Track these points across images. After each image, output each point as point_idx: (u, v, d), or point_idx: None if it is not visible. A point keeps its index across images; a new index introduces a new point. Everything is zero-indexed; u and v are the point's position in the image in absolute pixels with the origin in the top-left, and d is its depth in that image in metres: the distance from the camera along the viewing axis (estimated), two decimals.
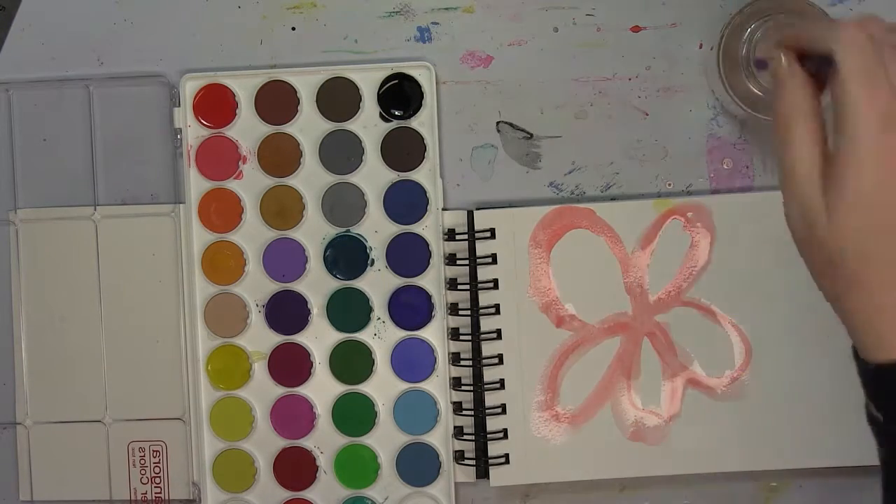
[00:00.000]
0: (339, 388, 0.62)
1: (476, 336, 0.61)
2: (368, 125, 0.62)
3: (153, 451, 0.63)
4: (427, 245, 0.62)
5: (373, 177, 0.62)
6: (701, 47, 0.61)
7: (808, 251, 0.44)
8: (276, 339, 0.63)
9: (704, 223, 0.60)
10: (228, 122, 0.62)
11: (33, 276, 0.63)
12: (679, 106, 0.61)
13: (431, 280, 0.62)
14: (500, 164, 0.62)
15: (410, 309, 0.62)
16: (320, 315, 0.62)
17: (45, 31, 0.63)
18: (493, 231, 0.61)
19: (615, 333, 0.61)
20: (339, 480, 0.63)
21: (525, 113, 0.62)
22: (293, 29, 0.62)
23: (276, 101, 0.62)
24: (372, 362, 0.62)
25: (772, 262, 0.60)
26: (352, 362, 0.62)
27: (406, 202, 0.62)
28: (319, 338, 0.63)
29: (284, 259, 0.62)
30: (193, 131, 0.62)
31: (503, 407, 0.61)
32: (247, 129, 0.62)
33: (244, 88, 0.62)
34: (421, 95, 0.61)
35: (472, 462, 0.61)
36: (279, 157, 0.62)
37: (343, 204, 0.62)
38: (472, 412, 0.61)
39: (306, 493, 0.63)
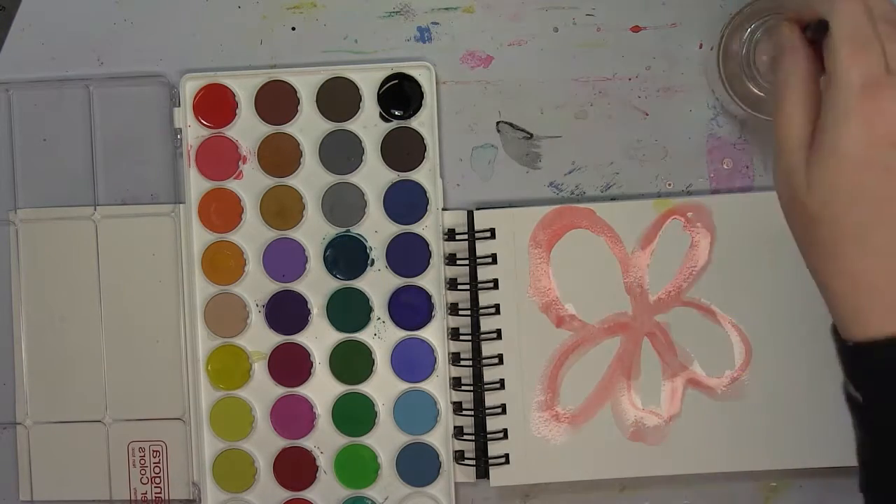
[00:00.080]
0: (339, 388, 0.62)
1: (476, 336, 0.61)
2: (368, 125, 0.62)
3: (153, 451, 0.63)
4: (427, 245, 0.62)
5: (373, 177, 0.62)
6: (701, 47, 0.61)
7: (791, 219, 0.44)
8: (276, 339, 0.63)
9: (704, 223, 0.60)
10: (228, 122, 0.62)
11: (33, 276, 0.63)
12: (679, 106, 0.61)
13: (431, 280, 0.62)
14: (500, 164, 0.62)
15: (410, 309, 0.62)
16: (320, 315, 0.62)
17: (45, 31, 0.63)
18: (493, 231, 0.61)
19: (615, 333, 0.61)
20: (339, 480, 0.63)
21: (525, 113, 0.62)
22: (293, 29, 0.62)
23: (276, 101, 0.62)
24: (372, 362, 0.62)
25: (772, 262, 0.60)
26: (352, 362, 0.62)
27: (406, 202, 0.62)
28: (319, 338, 0.63)
29: (284, 259, 0.62)
30: (193, 131, 0.62)
31: (503, 407, 0.61)
32: (247, 129, 0.62)
33: (244, 88, 0.62)
34: (421, 95, 0.61)
35: (472, 462, 0.61)
36: (279, 157, 0.62)
37: (343, 204, 0.62)
38: (472, 412, 0.61)
39: (306, 493, 0.63)
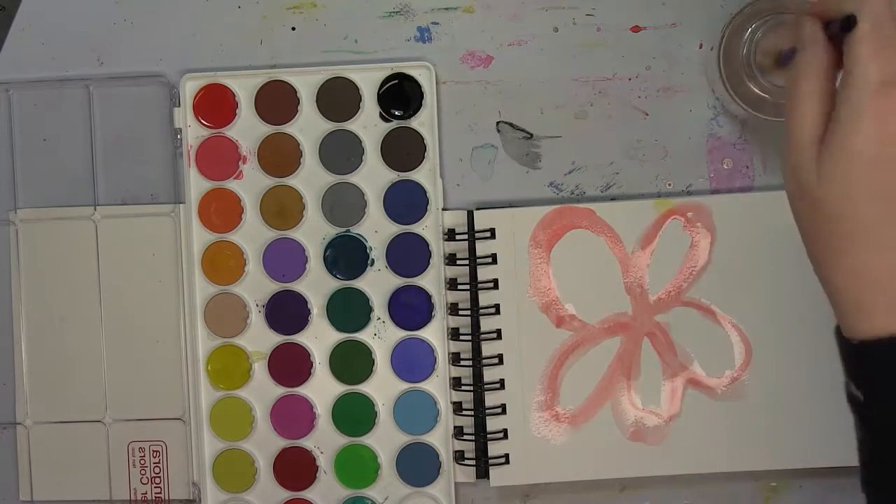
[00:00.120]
0: (339, 388, 0.62)
1: (476, 336, 0.61)
2: (368, 125, 0.62)
3: (153, 451, 0.63)
4: (427, 245, 0.62)
5: (373, 177, 0.62)
6: (701, 47, 0.61)
7: (800, 213, 0.44)
8: (276, 339, 0.63)
9: (704, 223, 0.60)
10: (228, 122, 0.62)
11: (33, 276, 0.63)
12: (679, 106, 0.61)
13: (431, 280, 0.62)
14: (500, 164, 0.62)
15: (410, 309, 0.62)
16: (320, 315, 0.62)
17: (45, 31, 0.63)
18: (493, 231, 0.61)
19: (615, 333, 0.61)
20: (339, 480, 0.63)
21: (525, 113, 0.62)
22: (293, 29, 0.62)
23: (276, 101, 0.62)
24: (372, 362, 0.62)
25: (772, 262, 0.60)
26: (352, 362, 0.62)
27: (406, 202, 0.62)
28: (319, 338, 0.63)
29: (284, 259, 0.62)
30: (193, 131, 0.62)
31: (503, 407, 0.61)
32: (247, 129, 0.62)
33: (244, 88, 0.62)
34: (421, 95, 0.61)
35: (472, 462, 0.61)
36: (279, 157, 0.62)
37: (343, 204, 0.62)
38: (472, 412, 0.61)
39: (306, 493, 0.63)
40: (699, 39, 0.61)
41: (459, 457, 0.62)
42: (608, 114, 0.62)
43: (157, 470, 0.63)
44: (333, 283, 0.62)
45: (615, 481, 0.62)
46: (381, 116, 0.62)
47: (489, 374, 0.61)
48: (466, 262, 0.61)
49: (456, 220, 0.62)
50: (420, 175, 0.62)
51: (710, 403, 0.60)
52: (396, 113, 0.62)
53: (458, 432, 0.62)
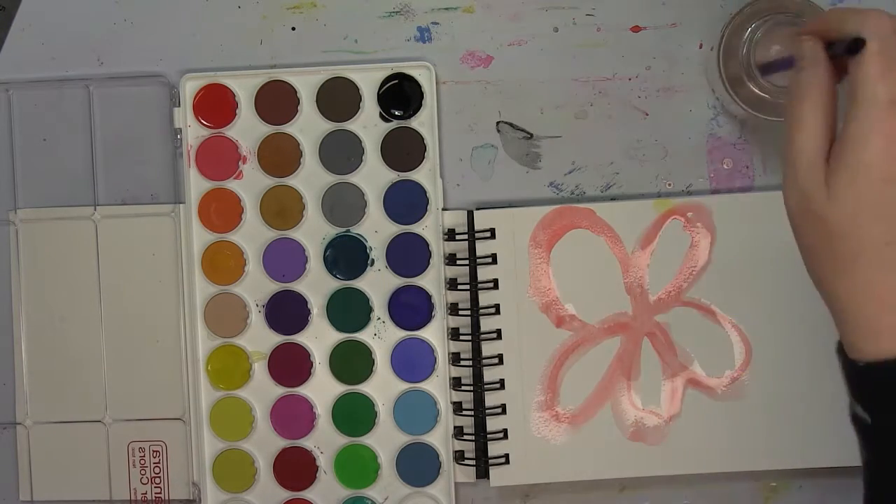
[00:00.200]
0: (339, 388, 0.62)
1: (476, 336, 0.61)
2: (368, 125, 0.62)
3: (153, 451, 0.63)
4: (427, 245, 0.62)
5: (373, 177, 0.62)
6: (701, 47, 0.61)
7: (804, 231, 0.44)
8: (276, 339, 0.63)
9: (704, 223, 0.60)
10: (228, 122, 0.62)
11: (33, 276, 0.63)
12: (679, 106, 0.61)
13: (431, 280, 0.62)
14: (500, 164, 0.62)
15: (410, 309, 0.62)
16: (320, 315, 0.62)
17: (45, 31, 0.63)
18: (493, 231, 0.61)
19: (615, 333, 0.61)
20: (339, 480, 0.63)
21: (525, 113, 0.62)
22: (293, 29, 0.62)
23: (276, 101, 0.62)
24: (372, 362, 0.62)
25: (772, 262, 0.60)
26: (352, 362, 0.62)
27: (406, 202, 0.62)
28: (319, 338, 0.63)
29: (284, 259, 0.62)
30: (193, 131, 0.63)
31: (503, 407, 0.61)
32: (247, 129, 0.62)
33: (244, 88, 0.62)
34: (421, 95, 0.61)
35: (472, 462, 0.61)
36: (279, 157, 0.62)
37: (343, 204, 0.62)
38: (472, 412, 0.61)
39: (306, 493, 0.63)
40: (699, 39, 0.61)
41: (459, 457, 0.62)
42: (608, 114, 0.62)
43: (157, 470, 0.63)
44: (333, 283, 0.62)
45: (615, 481, 0.62)
46: (381, 116, 0.62)
47: (489, 374, 0.61)
48: (466, 262, 0.61)
49: (456, 220, 0.62)
50: (420, 175, 0.62)
51: (710, 403, 0.60)
52: (396, 113, 0.62)
53: (458, 432, 0.62)
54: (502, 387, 0.61)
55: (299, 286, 0.62)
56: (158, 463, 0.63)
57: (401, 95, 0.62)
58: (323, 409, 0.63)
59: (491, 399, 0.61)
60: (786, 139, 0.44)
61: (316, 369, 0.62)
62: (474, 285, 0.61)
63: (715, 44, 0.58)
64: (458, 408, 0.62)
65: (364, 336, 0.62)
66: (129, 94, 0.63)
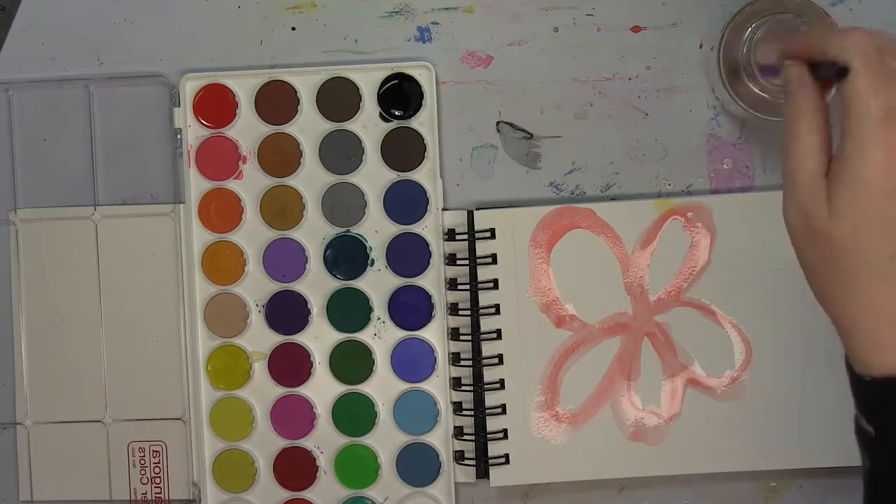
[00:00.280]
0: (339, 388, 0.62)
1: (476, 336, 0.61)
2: (368, 125, 0.62)
3: (153, 451, 0.63)
4: (427, 245, 0.62)
5: (373, 177, 0.62)
6: (701, 47, 0.61)
7: (806, 249, 0.44)
8: (276, 339, 0.63)
9: (704, 223, 0.60)
10: (228, 122, 0.62)
11: (33, 276, 0.63)
12: (679, 106, 0.61)
13: (431, 280, 0.62)
14: (500, 164, 0.62)
15: (410, 309, 0.62)
16: (320, 315, 0.62)
17: (45, 31, 0.63)
18: (493, 231, 0.61)
19: (615, 333, 0.61)
20: (339, 480, 0.63)
21: (525, 113, 0.62)
22: (293, 29, 0.62)
23: (276, 101, 0.62)
24: (372, 362, 0.62)
25: (772, 262, 0.60)
26: (352, 362, 0.62)
27: (406, 202, 0.62)
28: (319, 338, 0.63)
29: (284, 259, 0.62)
30: (193, 131, 0.62)
31: (503, 407, 0.61)
32: (247, 129, 0.62)
33: (244, 88, 0.62)
34: (421, 95, 0.61)
35: (472, 462, 0.61)
36: (279, 157, 0.62)
37: (343, 204, 0.62)
38: (472, 412, 0.61)
39: (306, 493, 0.63)
40: (699, 39, 0.61)
41: (459, 457, 0.62)
42: (608, 114, 0.62)
43: (157, 470, 0.63)
44: (333, 283, 0.62)
45: (615, 481, 0.62)
46: (381, 116, 0.62)
47: (489, 374, 0.61)
48: (466, 262, 0.61)
49: (456, 220, 0.62)
50: (420, 175, 0.62)
51: (710, 403, 0.60)
52: (396, 113, 0.62)
53: (458, 432, 0.62)
54: (502, 387, 0.61)
55: (299, 286, 0.62)
56: (158, 463, 0.63)
57: (401, 95, 0.62)
58: (323, 409, 0.63)
59: (491, 399, 0.61)
60: (783, 159, 0.44)
61: (316, 369, 0.63)
62: (474, 285, 0.61)
63: (715, 44, 0.58)
64: (458, 408, 0.62)
65: (364, 336, 0.62)
66: (129, 94, 0.63)
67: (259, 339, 0.63)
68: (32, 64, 0.63)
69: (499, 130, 0.62)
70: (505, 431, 0.61)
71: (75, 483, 0.63)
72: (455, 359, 0.61)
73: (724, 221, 0.60)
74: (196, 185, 0.63)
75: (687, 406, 0.60)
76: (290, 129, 0.62)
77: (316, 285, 0.62)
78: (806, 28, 0.55)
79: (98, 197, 0.63)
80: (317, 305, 0.62)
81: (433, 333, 0.62)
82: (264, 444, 0.63)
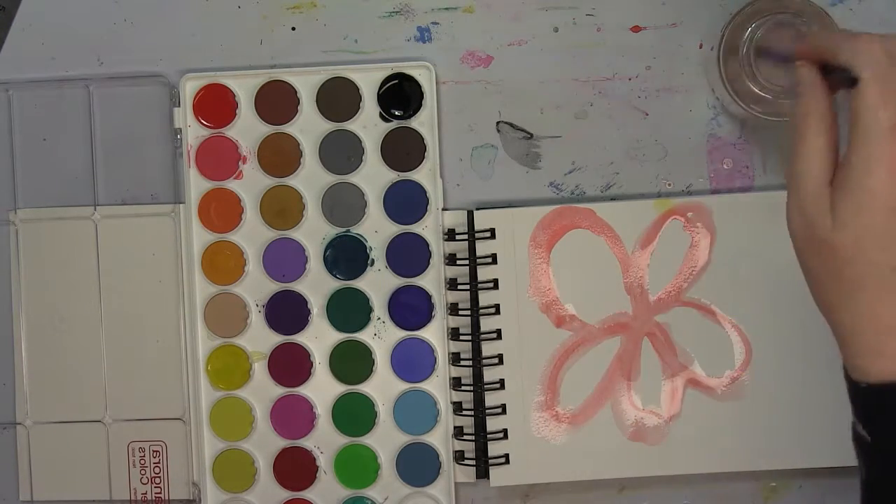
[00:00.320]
0: (339, 388, 0.62)
1: (476, 336, 0.61)
2: (368, 125, 0.62)
3: (153, 451, 0.63)
4: (427, 245, 0.62)
5: (373, 177, 0.62)
6: (701, 47, 0.61)
7: (809, 256, 0.44)
8: (276, 339, 0.63)
9: (704, 223, 0.60)
10: (228, 122, 0.62)
11: (33, 276, 0.63)
12: (679, 106, 0.61)
13: (431, 280, 0.62)
14: (500, 164, 0.62)
15: (410, 309, 0.62)
16: (320, 315, 0.62)
17: (45, 31, 0.63)
18: (493, 231, 0.61)
19: (615, 333, 0.61)
20: (339, 480, 0.63)
21: (525, 113, 0.62)
22: (293, 29, 0.62)
23: (276, 101, 0.62)
24: (372, 362, 0.62)
25: (772, 262, 0.60)
26: (352, 362, 0.62)
27: (406, 202, 0.62)
28: (319, 338, 0.63)
29: (284, 259, 0.62)
30: (193, 131, 0.63)
31: (503, 407, 0.61)
32: (247, 129, 0.62)
33: (244, 88, 0.62)
34: (421, 95, 0.61)
35: (472, 462, 0.61)
36: (279, 157, 0.62)
37: (343, 204, 0.62)
38: (472, 412, 0.61)
39: (306, 493, 0.63)
40: (699, 39, 0.61)
41: (459, 457, 0.62)
42: (608, 114, 0.62)
43: (157, 470, 0.63)
44: (333, 283, 0.62)
45: (615, 481, 0.62)
46: (381, 116, 0.62)
47: (489, 374, 0.61)
48: (466, 262, 0.61)
49: (456, 220, 0.62)
50: (420, 175, 0.62)
51: (710, 403, 0.60)
52: (396, 113, 0.62)
53: (458, 432, 0.62)
54: (502, 387, 0.61)
55: (299, 286, 0.62)
56: (158, 463, 0.63)
57: (401, 95, 0.62)
58: (323, 409, 0.63)
59: (491, 399, 0.61)
60: (789, 164, 0.44)
61: (316, 369, 0.62)
62: (474, 285, 0.61)
63: (715, 44, 0.58)
64: (458, 408, 0.62)
65: (364, 336, 0.62)
66: (129, 94, 0.63)
67: (259, 339, 0.63)
68: (32, 64, 0.63)
69: (499, 130, 0.62)
70: (505, 431, 0.61)
71: (75, 483, 0.63)
72: (455, 359, 0.61)
73: (724, 221, 0.60)
74: (196, 185, 0.63)
75: (687, 406, 0.60)
76: (290, 129, 0.62)
77: (316, 285, 0.62)
78: (806, 28, 0.55)
79: (98, 197, 0.63)
80: (317, 305, 0.62)
81: (433, 333, 0.62)
82: (264, 444, 0.63)
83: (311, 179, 0.62)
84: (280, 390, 0.63)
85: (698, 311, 0.60)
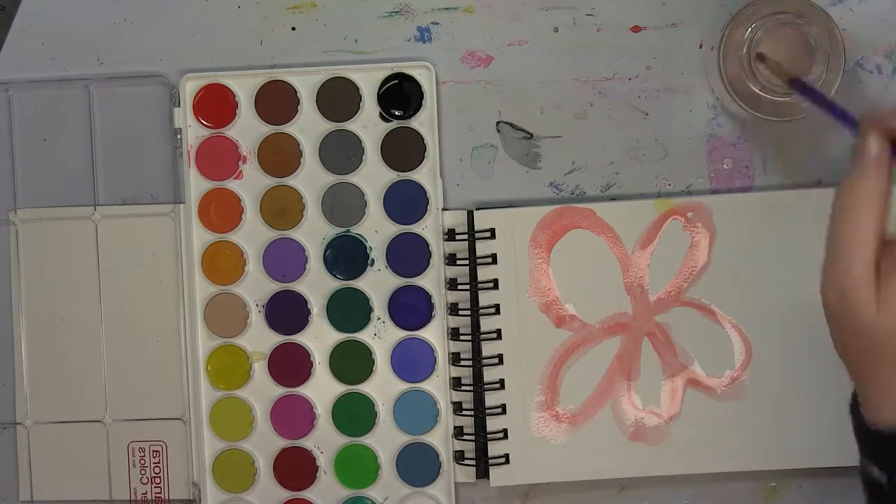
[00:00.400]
0: (339, 388, 0.62)
1: (476, 336, 0.61)
2: (368, 125, 0.62)
3: (153, 451, 0.63)
4: (427, 245, 0.62)
5: (373, 177, 0.62)
6: (701, 47, 0.61)
7: (843, 333, 0.43)
8: (276, 339, 0.63)
9: (704, 223, 0.60)
10: (228, 122, 0.62)
11: (33, 276, 0.63)
12: (679, 106, 0.61)
13: (431, 280, 0.62)
14: (500, 164, 0.62)
15: (410, 309, 0.62)
16: (320, 315, 0.62)
17: (45, 31, 0.63)
18: (493, 231, 0.61)
19: (615, 333, 0.61)
20: (339, 480, 0.63)
21: (525, 113, 0.62)
22: (293, 29, 0.62)
23: (276, 101, 0.62)
24: (372, 362, 0.62)
25: (772, 262, 0.60)
26: (352, 362, 0.62)
27: (406, 202, 0.62)
28: (319, 338, 0.63)
29: (284, 259, 0.62)
30: (193, 131, 0.62)
31: (503, 407, 0.61)
32: (247, 129, 0.62)
33: (244, 88, 0.62)
34: (421, 95, 0.61)
35: (472, 462, 0.61)
36: (279, 157, 0.62)
37: (343, 204, 0.62)
38: (472, 412, 0.61)
39: (306, 493, 0.63)
40: (699, 39, 0.61)
41: (459, 457, 0.62)
42: (608, 114, 0.62)
43: (157, 470, 0.63)
44: (333, 283, 0.62)
45: (615, 481, 0.62)
46: (381, 116, 0.62)
47: (489, 374, 0.61)
48: (466, 262, 0.61)
49: (456, 220, 0.62)
50: (420, 175, 0.62)
51: (710, 403, 0.60)
52: (396, 113, 0.62)
53: (458, 432, 0.62)
54: (502, 387, 0.61)
55: (299, 286, 0.62)
56: (158, 463, 0.63)
57: (401, 95, 0.62)
58: (323, 409, 0.63)
59: (491, 399, 0.61)
60: (832, 230, 0.43)
61: (316, 369, 0.62)
62: (474, 285, 0.61)
63: (715, 44, 0.58)
64: (458, 408, 0.62)
65: (364, 336, 0.62)
66: (129, 94, 0.63)
67: (259, 339, 0.63)
68: (32, 64, 0.63)
69: (499, 130, 0.62)
70: (505, 431, 0.61)
71: (75, 483, 0.63)
72: (455, 359, 0.61)
73: (724, 221, 0.60)
74: (196, 185, 0.63)
75: (687, 406, 0.60)
76: (290, 129, 0.62)
77: (316, 285, 0.62)
78: (807, 28, 0.55)
79: (98, 197, 0.63)
80: (317, 305, 0.62)
81: (433, 333, 0.62)
82: (264, 444, 0.63)
83: (311, 179, 0.62)
84: (280, 390, 0.63)
85: (698, 311, 0.60)
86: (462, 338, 0.61)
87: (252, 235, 0.63)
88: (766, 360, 0.60)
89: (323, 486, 0.63)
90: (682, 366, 0.60)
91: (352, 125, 0.62)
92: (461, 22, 0.62)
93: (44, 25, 0.63)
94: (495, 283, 0.61)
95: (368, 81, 0.62)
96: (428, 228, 0.62)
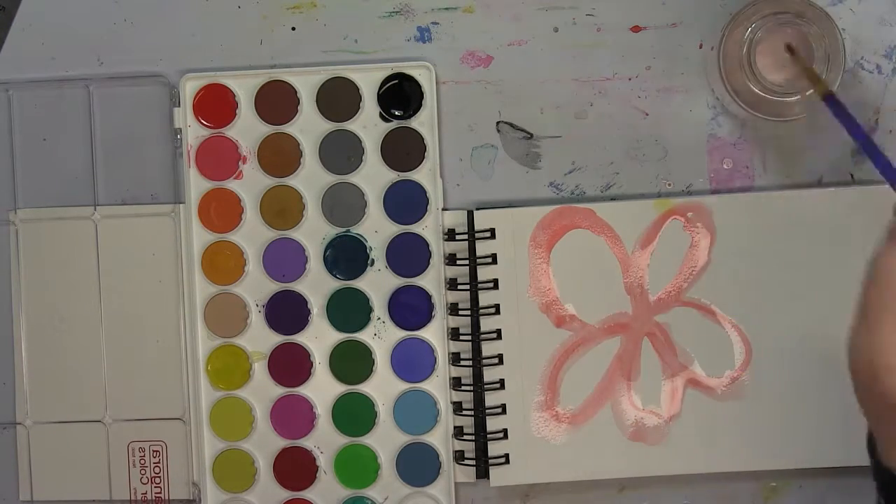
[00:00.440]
0: (339, 388, 0.62)
1: (476, 336, 0.61)
2: (368, 125, 0.62)
3: (153, 451, 0.63)
4: (427, 245, 0.62)
5: (373, 177, 0.62)
6: (701, 47, 0.61)
7: (867, 394, 0.43)
8: (276, 339, 0.63)
9: (704, 223, 0.60)
10: (228, 122, 0.62)
11: (33, 276, 0.63)
12: (679, 106, 0.61)
13: (431, 280, 0.62)
14: (500, 164, 0.62)
15: (410, 309, 0.62)
16: (320, 315, 0.62)
17: (45, 31, 0.63)
18: (493, 231, 0.61)
19: (615, 333, 0.61)
20: (339, 480, 0.63)
21: (525, 113, 0.62)
22: (293, 29, 0.62)
23: (276, 101, 0.62)
24: (372, 362, 0.62)
25: (772, 262, 0.60)
26: (352, 362, 0.62)
27: (406, 202, 0.62)
28: (319, 338, 0.63)
29: (284, 259, 0.62)
30: (193, 131, 0.62)
31: (503, 407, 0.61)
32: (247, 129, 0.62)
33: (244, 88, 0.62)
34: (421, 95, 0.61)
35: (472, 462, 0.61)
36: (279, 157, 0.62)
37: (343, 204, 0.62)
38: (472, 412, 0.61)
39: (306, 493, 0.63)
40: (699, 39, 0.61)
41: (459, 457, 0.62)
42: (608, 114, 0.62)
43: (157, 470, 0.63)
44: (333, 283, 0.62)
45: (615, 481, 0.62)
46: (381, 116, 0.62)
47: (489, 374, 0.61)
48: (466, 262, 0.61)
49: (456, 220, 0.62)
50: (420, 175, 0.62)
51: (710, 403, 0.60)
52: (396, 113, 0.62)
53: (458, 432, 0.62)
54: (502, 387, 0.61)
55: (299, 286, 0.62)
56: (158, 463, 0.63)
57: (401, 95, 0.62)
58: (323, 409, 0.63)
59: (491, 399, 0.61)
60: (866, 294, 0.42)
61: (316, 369, 0.62)
62: (474, 285, 0.61)
63: (715, 44, 0.58)
64: (458, 408, 0.62)
65: (364, 336, 0.62)
66: (129, 94, 0.63)
67: (259, 339, 0.63)
68: (32, 64, 0.63)
69: (499, 130, 0.62)
70: (505, 431, 0.61)
71: (75, 483, 0.63)
72: (455, 359, 0.61)
73: (724, 221, 0.60)
74: (196, 185, 0.63)
75: (687, 406, 0.60)
76: (290, 129, 0.62)
77: (316, 285, 0.62)
78: (807, 29, 0.55)
79: (98, 197, 0.63)
80: (317, 305, 0.62)
81: (433, 333, 0.62)
82: (264, 444, 0.63)
83: (311, 179, 0.62)
84: (280, 390, 0.63)
85: (698, 311, 0.60)
86: (462, 338, 0.61)
87: (252, 235, 0.63)
88: (766, 360, 0.60)
89: (323, 486, 0.63)
90: (682, 366, 0.60)
91: (352, 125, 0.62)
92: (461, 22, 0.62)
93: (44, 25, 0.63)
94: (495, 283, 0.61)
95: (368, 81, 0.62)
96: (428, 228, 0.62)
